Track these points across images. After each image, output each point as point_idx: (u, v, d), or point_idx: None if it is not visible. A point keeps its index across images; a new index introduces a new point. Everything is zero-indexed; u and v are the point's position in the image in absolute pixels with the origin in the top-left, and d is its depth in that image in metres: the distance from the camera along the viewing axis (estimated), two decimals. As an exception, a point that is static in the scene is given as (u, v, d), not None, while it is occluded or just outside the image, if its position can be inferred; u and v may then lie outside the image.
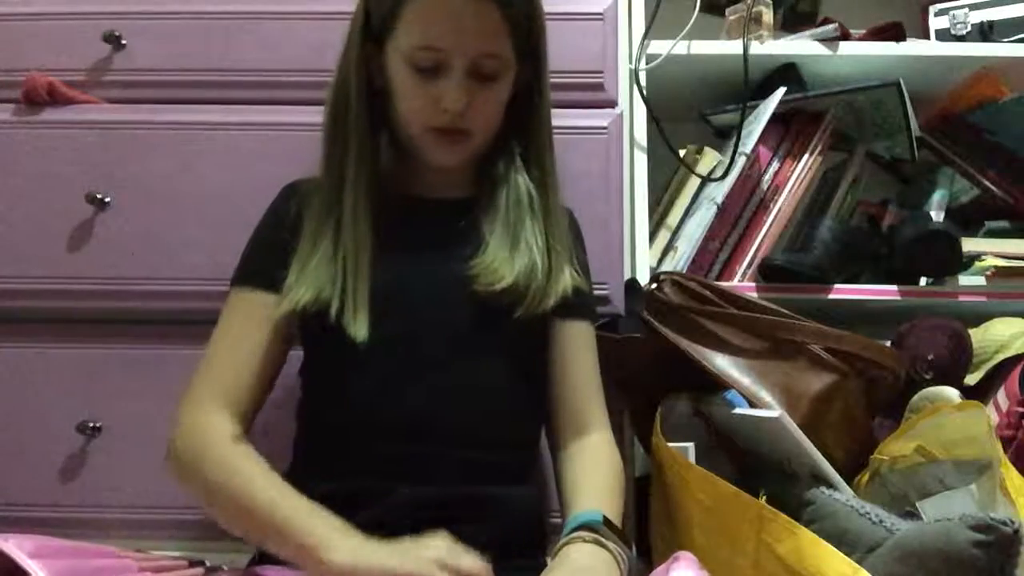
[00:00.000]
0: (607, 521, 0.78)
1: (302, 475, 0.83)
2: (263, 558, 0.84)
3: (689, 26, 1.25)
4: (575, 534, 0.76)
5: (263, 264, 0.87)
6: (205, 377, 0.84)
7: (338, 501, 0.78)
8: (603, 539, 0.75)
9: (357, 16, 0.88)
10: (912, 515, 0.83)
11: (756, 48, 1.27)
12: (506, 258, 0.86)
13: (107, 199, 1.09)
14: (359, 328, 0.80)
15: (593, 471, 0.87)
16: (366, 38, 0.87)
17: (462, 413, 0.83)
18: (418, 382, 0.83)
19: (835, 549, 0.71)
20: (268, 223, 0.92)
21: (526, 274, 0.85)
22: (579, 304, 0.93)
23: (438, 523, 0.76)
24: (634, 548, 0.98)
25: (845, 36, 1.29)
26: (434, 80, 0.83)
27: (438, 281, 0.86)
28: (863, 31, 1.33)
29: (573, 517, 0.79)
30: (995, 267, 1.20)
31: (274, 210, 0.92)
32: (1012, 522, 0.66)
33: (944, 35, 1.35)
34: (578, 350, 0.94)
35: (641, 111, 1.22)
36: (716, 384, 0.95)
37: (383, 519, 0.78)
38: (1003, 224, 1.34)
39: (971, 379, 1.10)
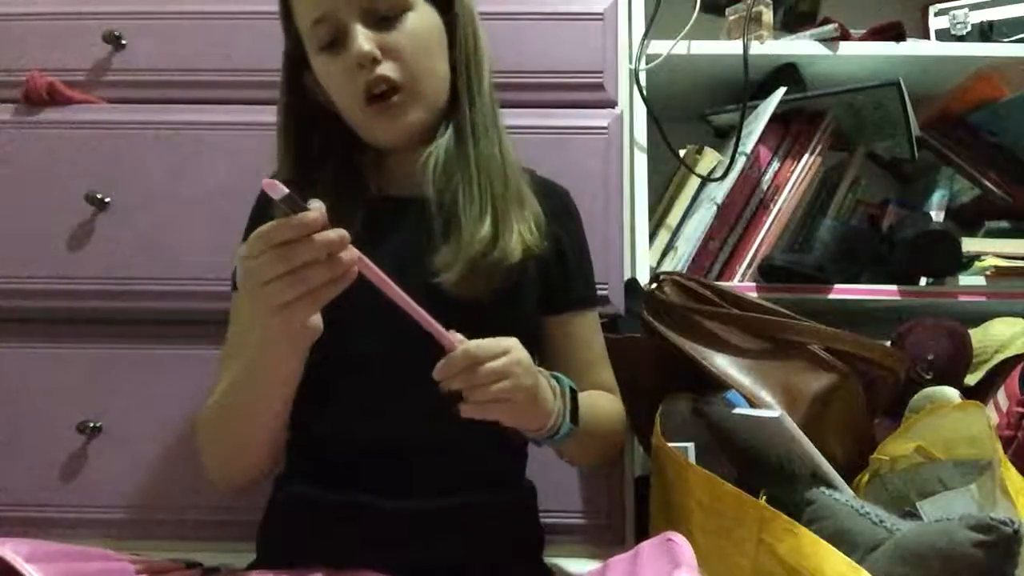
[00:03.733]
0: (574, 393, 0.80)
1: (292, 481, 0.84)
2: (264, 560, 0.84)
3: (689, 26, 1.25)
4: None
5: None
6: (219, 376, 0.84)
7: (325, 511, 0.78)
8: (559, 388, 0.78)
9: (283, 59, 0.90)
10: (912, 515, 0.83)
11: (756, 48, 1.27)
12: (454, 250, 0.81)
13: (107, 199, 1.09)
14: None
15: (588, 395, 0.89)
16: (293, 63, 0.88)
17: (445, 426, 0.79)
18: (398, 397, 0.81)
19: (835, 549, 0.71)
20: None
21: (478, 258, 0.81)
22: (572, 297, 0.92)
23: (424, 534, 0.76)
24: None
25: (845, 36, 1.29)
26: (342, 50, 0.81)
27: (403, 287, 0.84)
28: (863, 31, 1.33)
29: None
30: (995, 267, 1.20)
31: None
32: (1012, 522, 0.66)
33: (944, 35, 1.35)
34: (579, 342, 0.93)
35: (641, 111, 1.22)
36: (716, 384, 0.95)
37: (370, 532, 0.78)
38: (1003, 224, 1.34)
39: (971, 379, 1.10)
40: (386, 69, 0.81)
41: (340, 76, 0.82)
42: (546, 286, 0.90)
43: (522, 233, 0.84)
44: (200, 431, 0.82)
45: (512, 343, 0.73)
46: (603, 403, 0.91)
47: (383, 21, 0.82)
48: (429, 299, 0.71)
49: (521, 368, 0.72)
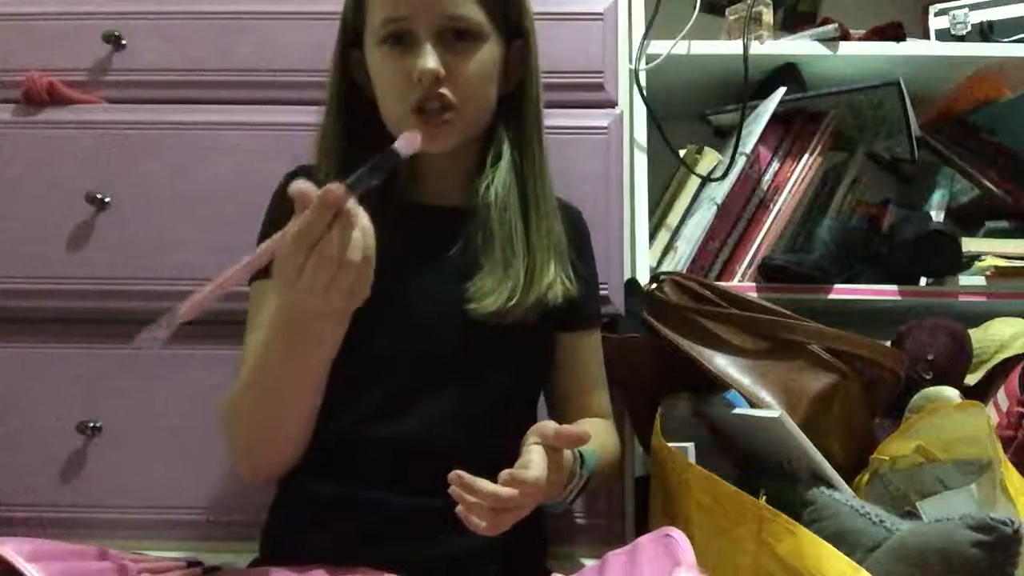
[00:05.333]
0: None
1: (306, 474, 0.83)
2: (266, 558, 0.84)
3: (689, 26, 1.25)
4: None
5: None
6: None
7: (337, 505, 0.78)
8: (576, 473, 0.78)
9: (339, 29, 0.89)
10: (912, 515, 0.83)
11: (756, 48, 1.27)
12: (496, 280, 0.83)
13: (107, 199, 1.09)
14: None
15: (590, 424, 0.90)
16: (346, 45, 0.88)
17: (458, 433, 0.82)
18: (414, 403, 0.82)
19: (835, 549, 0.71)
20: (277, 211, 0.89)
21: (514, 294, 0.83)
22: (582, 315, 0.93)
23: (433, 532, 0.76)
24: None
25: (845, 36, 1.29)
26: (405, 56, 0.81)
27: (434, 301, 0.84)
28: (863, 31, 1.33)
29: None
30: (995, 267, 1.20)
31: (280, 196, 0.90)
32: (1012, 522, 0.66)
33: (944, 35, 1.35)
34: (584, 359, 0.94)
35: (641, 111, 1.22)
36: (716, 384, 0.95)
37: (379, 529, 0.78)
38: (1003, 224, 1.34)
39: (971, 379, 1.10)
40: (445, 90, 0.81)
41: (395, 77, 0.82)
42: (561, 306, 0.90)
43: (563, 282, 0.86)
44: (228, 416, 0.81)
45: (540, 473, 0.69)
46: (609, 447, 0.92)
47: (455, 40, 0.82)
48: (458, 319, 0.75)
49: (541, 492, 0.71)
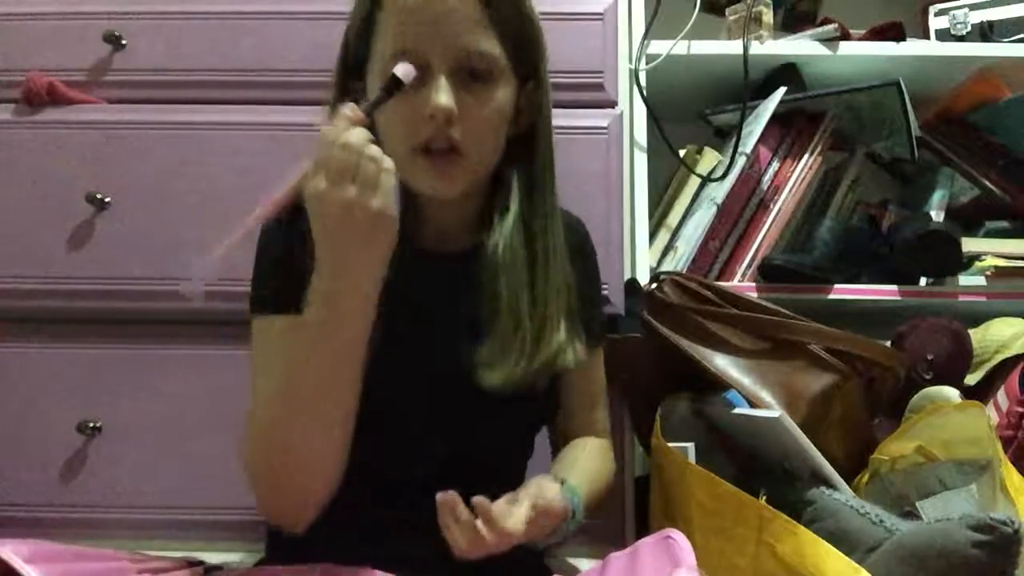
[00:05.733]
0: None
1: None
2: (271, 557, 0.84)
3: (689, 26, 1.25)
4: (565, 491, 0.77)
5: (279, 285, 0.79)
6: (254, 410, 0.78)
7: (337, 511, 0.78)
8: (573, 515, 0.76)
9: (339, 56, 0.83)
10: (912, 515, 0.83)
11: (756, 48, 1.27)
12: (502, 349, 0.79)
13: (107, 199, 1.09)
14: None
15: (587, 456, 0.89)
16: (347, 75, 0.83)
17: (456, 482, 0.76)
18: (410, 451, 0.80)
19: (835, 549, 0.71)
20: (273, 239, 0.83)
21: (520, 366, 0.79)
22: (587, 335, 0.88)
23: (435, 532, 0.76)
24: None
25: (845, 36, 1.29)
26: (415, 90, 0.74)
27: (435, 359, 0.80)
28: (863, 31, 1.33)
29: (567, 486, 0.79)
30: (995, 267, 1.21)
31: (268, 239, 0.83)
32: (1012, 522, 0.66)
33: (944, 35, 1.35)
34: (588, 378, 0.93)
35: (641, 111, 1.22)
36: (716, 384, 0.95)
37: (372, 527, 0.78)
38: (1003, 224, 1.34)
39: (971, 379, 1.10)
40: (455, 131, 0.75)
41: (402, 113, 0.75)
42: None
43: (574, 346, 0.83)
44: (256, 451, 0.74)
45: (517, 528, 0.69)
46: (604, 477, 0.90)
47: (470, 78, 0.76)
48: (460, 381, 0.75)
49: (518, 539, 0.70)
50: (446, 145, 0.76)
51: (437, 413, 0.80)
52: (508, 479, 0.81)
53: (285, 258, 0.78)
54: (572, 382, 0.92)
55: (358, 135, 0.66)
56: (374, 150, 0.66)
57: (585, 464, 0.88)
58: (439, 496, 0.68)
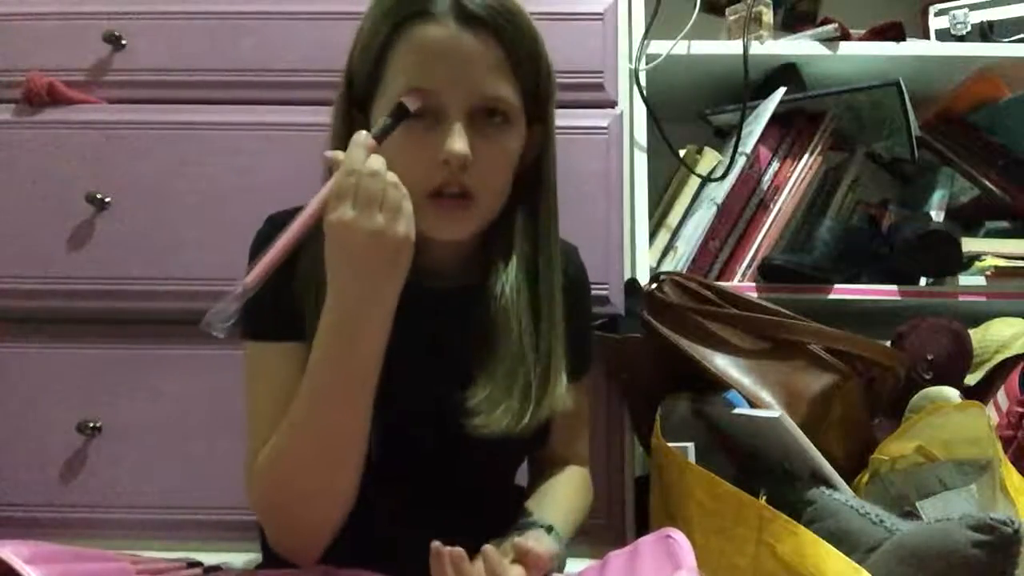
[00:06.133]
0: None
1: None
2: (271, 560, 0.84)
3: (689, 26, 1.25)
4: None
5: (270, 312, 0.77)
6: (254, 441, 0.77)
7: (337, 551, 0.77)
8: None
9: (340, 86, 0.81)
10: (912, 515, 0.83)
11: (756, 48, 1.27)
12: (502, 398, 0.78)
13: (107, 199, 1.09)
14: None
15: (574, 492, 0.90)
16: (350, 106, 0.80)
17: (452, 511, 0.80)
18: (397, 485, 0.78)
19: (835, 549, 0.71)
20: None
21: (523, 416, 0.78)
22: (572, 370, 0.87)
23: (435, 535, 0.75)
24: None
25: (845, 36, 1.29)
26: (429, 133, 0.73)
27: (432, 400, 0.78)
28: (863, 31, 1.33)
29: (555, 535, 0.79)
30: (995, 267, 1.21)
31: (260, 248, 0.80)
32: (1012, 522, 0.66)
33: (944, 35, 1.35)
34: (572, 411, 0.89)
35: (641, 111, 1.22)
36: (716, 384, 0.95)
37: (370, 531, 0.78)
38: (1003, 224, 1.34)
39: (971, 379, 1.10)
40: (469, 180, 0.74)
41: (413, 154, 0.73)
42: None
43: (570, 391, 0.82)
44: (265, 482, 0.73)
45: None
46: (582, 511, 0.91)
47: (484, 123, 0.75)
48: (455, 425, 0.74)
49: None
50: (459, 191, 0.74)
51: (424, 453, 0.79)
52: (495, 506, 0.83)
53: (272, 281, 0.73)
54: (559, 415, 0.89)
55: (381, 163, 0.67)
56: (394, 177, 0.68)
57: (571, 504, 0.89)
58: (435, 547, 0.69)
